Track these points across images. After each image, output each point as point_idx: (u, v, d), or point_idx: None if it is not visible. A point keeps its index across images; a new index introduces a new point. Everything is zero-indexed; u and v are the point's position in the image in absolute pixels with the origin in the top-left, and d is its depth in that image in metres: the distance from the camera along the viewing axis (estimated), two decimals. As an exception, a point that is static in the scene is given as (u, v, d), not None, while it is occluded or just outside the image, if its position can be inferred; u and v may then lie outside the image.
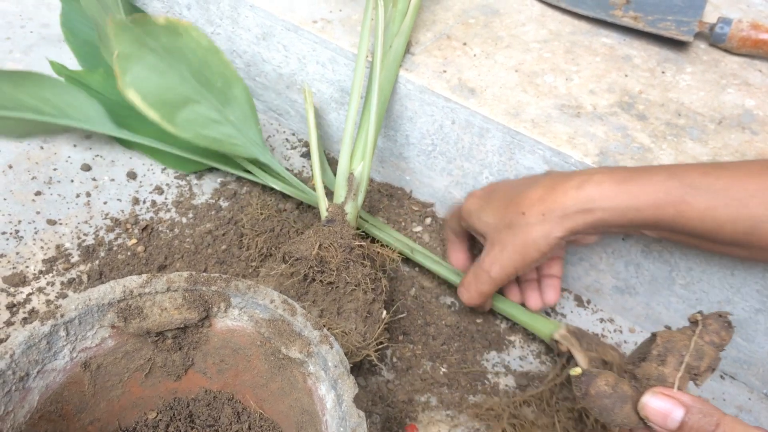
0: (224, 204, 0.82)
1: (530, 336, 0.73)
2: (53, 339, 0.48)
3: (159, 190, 0.83)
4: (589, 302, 0.77)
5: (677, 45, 0.81)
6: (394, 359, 0.70)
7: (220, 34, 0.91)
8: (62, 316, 0.48)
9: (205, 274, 0.52)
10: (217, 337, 0.54)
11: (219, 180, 0.85)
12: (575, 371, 0.47)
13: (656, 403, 0.43)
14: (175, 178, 0.85)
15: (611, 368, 0.56)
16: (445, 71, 0.76)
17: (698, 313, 0.49)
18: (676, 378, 0.45)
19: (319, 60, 0.82)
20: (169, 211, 0.80)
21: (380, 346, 0.66)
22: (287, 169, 0.88)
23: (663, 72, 0.78)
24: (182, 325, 0.52)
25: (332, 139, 0.89)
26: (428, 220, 0.83)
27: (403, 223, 0.83)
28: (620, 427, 0.46)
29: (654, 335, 0.49)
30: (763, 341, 0.67)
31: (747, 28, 0.78)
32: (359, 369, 0.68)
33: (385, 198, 0.86)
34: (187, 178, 0.85)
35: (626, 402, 0.45)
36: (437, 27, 0.83)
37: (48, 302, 0.69)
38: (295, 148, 0.92)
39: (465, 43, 0.80)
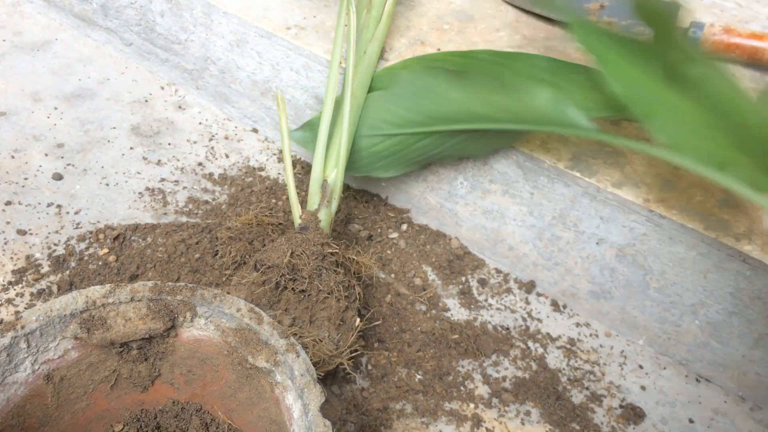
0: (198, 212, 0.81)
1: (527, 347, 0.73)
2: (14, 351, 0.47)
3: (132, 198, 0.82)
4: (565, 307, 0.77)
5: (650, 49, 0.81)
6: (369, 367, 0.70)
7: (193, 41, 0.90)
8: (23, 327, 0.47)
9: (170, 283, 0.51)
10: (183, 347, 0.53)
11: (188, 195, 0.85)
12: None
13: None
14: (147, 189, 0.84)
15: None
16: (418, 77, 0.76)
17: None
18: None
19: (293, 67, 0.82)
20: (143, 219, 0.80)
21: (354, 354, 0.65)
22: (263, 177, 0.87)
23: (636, 76, 0.78)
24: (147, 336, 0.51)
25: (308, 146, 0.89)
26: (404, 226, 0.83)
27: (379, 230, 0.82)
28: None
29: None
30: (737, 344, 0.66)
31: (720, 32, 0.78)
32: (333, 377, 0.68)
33: (361, 204, 0.85)
34: (161, 185, 0.84)
35: None
36: (411, 33, 0.82)
37: (17, 314, 0.68)
38: (272, 155, 0.91)
39: (439, 49, 0.80)
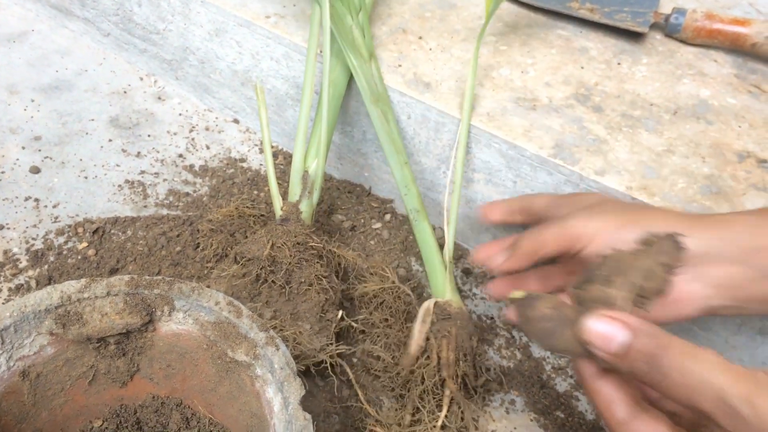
0: (179, 204, 0.80)
1: (512, 336, 0.73)
2: (-13, 348, 0.46)
3: (111, 191, 0.81)
4: (549, 296, 0.77)
5: (633, 36, 0.81)
6: (353, 359, 0.69)
7: (172, 30, 0.89)
8: (-4, 324, 0.46)
9: (147, 276, 0.50)
10: (162, 342, 0.52)
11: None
12: (516, 294, 0.43)
13: (600, 327, 0.38)
14: (126, 181, 0.83)
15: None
16: (400, 65, 0.75)
17: (651, 234, 0.44)
18: (621, 299, 0.41)
19: (273, 56, 0.81)
20: (122, 212, 0.78)
21: (337, 346, 0.64)
22: (245, 168, 0.86)
23: (619, 63, 0.77)
24: (125, 330, 0.50)
25: (290, 136, 0.88)
26: (387, 217, 0.82)
27: (362, 220, 0.82)
28: (562, 353, 0.42)
29: (604, 258, 0.44)
30: (720, 329, 0.66)
31: (702, 18, 0.78)
32: (316, 370, 0.67)
33: (344, 195, 0.85)
34: (141, 177, 0.83)
35: (568, 326, 0.40)
36: (393, 21, 0.82)
37: (-6, 309, 0.67)
38: (253, 146, 0.90)
39: (421, 37, 0.79)
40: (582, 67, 0.76)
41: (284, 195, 0.70)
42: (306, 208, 0.69)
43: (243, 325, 0.49)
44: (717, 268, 0.51)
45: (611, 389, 0.40)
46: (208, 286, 0.59)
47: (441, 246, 0.71)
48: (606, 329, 0.38)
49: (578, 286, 0.43)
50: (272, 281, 0.63)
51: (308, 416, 0.44)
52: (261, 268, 0.63)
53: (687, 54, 0.79)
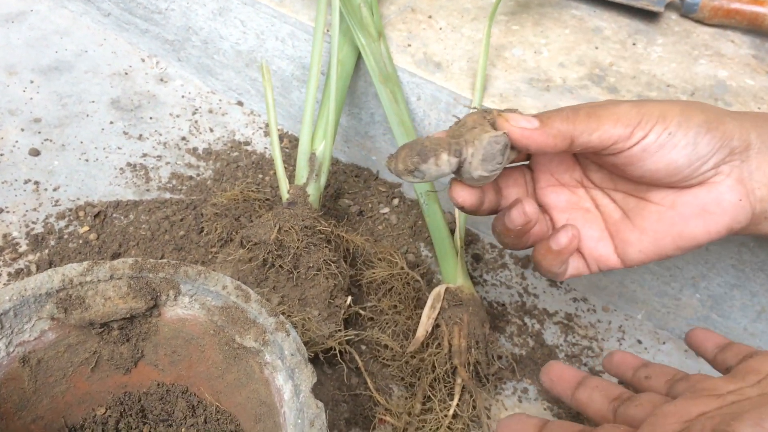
0: (182, 188, 0.78)
1: (524, 324, 0.71)
2: (-14, 333, 0.45)
3: (113, 174, 0.79)
4: (562, 282, 0.75)
5: (648, 16, 0.79)
6: (363, 346, 0.67)
7: (174, 10, 0.87)
8: (-5, 308, 0.45)
9: (152, 260, 0.49)
10: (167, 327, 0.51)
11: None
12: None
13: (519, 120, 0.44)
14: (128, 164, 0.81)
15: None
16: (409, 45, 0.73)
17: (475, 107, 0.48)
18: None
19: (279, 36, 0.78)
20: (124, 196, 0.77)
21: (346, 332, 0.63)
22: (249, 152, 0.84)
23: (634, 44, 0.75)
24: (129, 315, 0.48)
25: (296, 119, 0.86)
26: (396, 201, 0.80)
27: (369, 205, 0.80)
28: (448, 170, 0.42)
29: (456, 121, 0.46)
30: (739, 317, 0.65)
31: (719, -3, 0.76)
32: (324, 357, 0.66)
33: (351, 179, 0.83)
34: (143, 161, 0.81)
35: (444, 147, 0.42)
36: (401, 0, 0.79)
37: (-7, 294, 0.65)
38: (258, 129, 0.88)
39: (430, 16, 0.77)
40: (596, 48, 0.74)
41: (290, 178, 0.68)
42: (313, 192, 0.67)
43: (252, 310, 0.48)
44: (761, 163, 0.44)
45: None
46: (214, 271, 0.57)
47: (451, 231, 0.69)
48: (523, 121, 0.44)
49: (451, 136, 0.44)
50: (279, 266, 0.61)
51: (320, 404, 0.43)
52: (268, 253, 0.61)
53: (703, 34, 0.77)
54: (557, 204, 0.51)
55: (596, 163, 0.49)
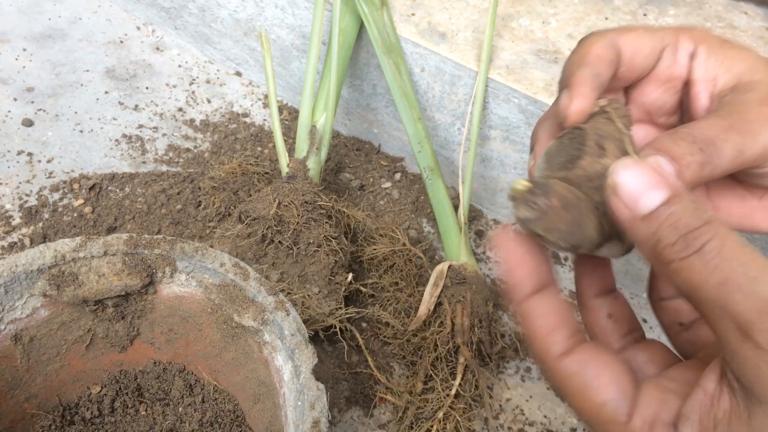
0: (179, 160, 0.77)
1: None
2: (-25, 310, 0.43)
3: (108, 145, 0.77)
4: (566, 259, 0.74)
5: (660, -14, 0.76)
6: (363, 323, 0.66)
7: (170, -24, 0.84)
8: (-15, 284, 0.43)
9: (147, 235, 0.47)
10: (163, 305, 0.49)
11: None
12: (520, 184, 0.32)
13: (635, 175, 0.28)
14: (124, 135, 0.79)
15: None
16: (413, 14, 0.71)
17: (600, 100, 0.35)
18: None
19: (278, 3, 0.76)
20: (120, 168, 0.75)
21: (347, 310, 0.61)
22: (248, 124, 0.82)
23: (645, 15, 0.73)
24: (124, 293, 0.47)
25: (296, 90, 0.84)
26: (398, 176, 0.78)
27: (371, 179, 0.78)
28: (584, 249, 0.32)
29: (573, 130, 0.35)
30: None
31: (734, -33, 0.73)
32: (324, 335, 0.64)
33: (352, 152, 0.81)
34: (139, 132, 0.79)
35: (592, 212, 0.31)
36: (405, -33, 0.77)
37: (-14, 269, 0.64)
38: (257, 100, 0.86)
39: (435, -15, 0.75)
40: (606, 18, 0.72)
41: (290, 152, 0.67)
42: (314, 165, 0.65)
43: (250, 289, 0.46)
44: None
45: (550, 316, 0.31)
46: (211, 246, 0.55)
47: (455, 207, 0.68)
48: (640, 180, 0.28)
49: (563, 167, 0.34)
50: (279, 242, 0.60)
51: (321, 386, 0.41)
52: (267, 228, 0.59)
53: (716, 5, 0.75)
54: None
55: None
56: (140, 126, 0.80)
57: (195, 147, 0.79)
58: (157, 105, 0.83)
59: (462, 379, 0.60)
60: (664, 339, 0.36)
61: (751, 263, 0.26)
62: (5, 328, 0.45)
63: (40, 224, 0.68)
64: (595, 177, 0.32)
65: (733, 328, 0.26)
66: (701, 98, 0.38)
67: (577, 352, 0.30)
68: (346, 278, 0.62)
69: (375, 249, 0.67)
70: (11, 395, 0.47)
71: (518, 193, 0.31)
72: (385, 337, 0.65)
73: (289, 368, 0.44)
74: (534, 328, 0.31)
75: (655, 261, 0.28)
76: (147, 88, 0.85)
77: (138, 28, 0.92)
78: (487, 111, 0.68)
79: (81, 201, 0.71)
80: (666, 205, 0.27)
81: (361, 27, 0.71)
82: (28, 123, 0.78)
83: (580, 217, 0.31)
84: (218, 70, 0.89)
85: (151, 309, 0.49)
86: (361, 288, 0.66)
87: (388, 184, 0.78)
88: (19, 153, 0.75)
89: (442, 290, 0.63)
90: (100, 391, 0.51)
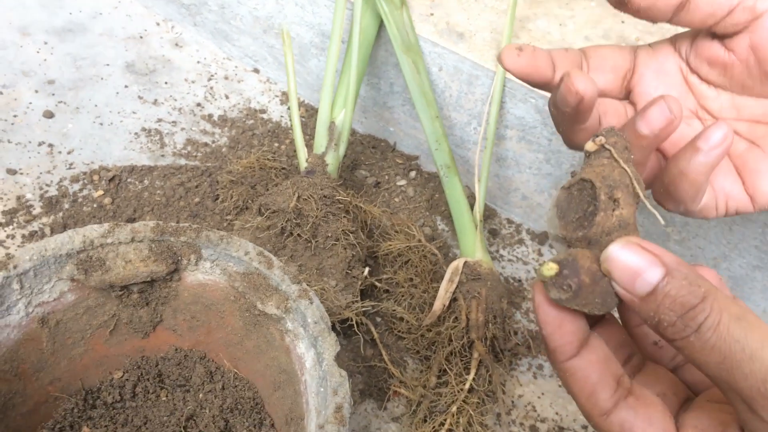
0: (197, 154, 0.77)
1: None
2: (5, 292, 0.44)
3: (128, 138, 0.78)
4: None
5: (676, -9, 0.77)
6: (378, 318, 0.67)
7: (192, -27, 0.85)
8: (15, 267, 0.44)
9: (173, 223, 0.48)
10: (187, 292, 0.50)
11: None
12: (548, 269, 0.32)
13: (626, 257, 0.29)
14: (143, 129, 0.80)
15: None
16: (432, 14, 0.72)
17: (598, 137, 0.35)
18: (633, 217, 0.33)
19: (298, 1, 0.77)
20: (139, 161, 0.76)
21: (362, 304, 0.62)
22: (265, 120, 0.83)
23: (661, 19, 0.74)
24: (149, 279, 0.48)
25: (313, 87, 0.85)
26: (413, 174, 0.79)
27: (386, 177, 0.79)
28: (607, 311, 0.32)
29: (581, 181, 0.34)
30: (759, 299, 0.64)
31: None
32: (340, 327, 0.65)
33: (367, 150, 0.82)
34: (158, 126, 0.80)
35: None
36: (424, -32, 0.78)
37: (8, 256, 0.65)
38: (274, 97, 0.87)
39: (454, -14, 0.76)
40: (623, 22, 0.73)
41: (308, 147, 0.68)
42: (332, 161, 0.66)
43: (274, 277, 0.47)
44: None
45: (592, 376, 0.32)
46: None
47: (470, 205, 0.68)
48: (635, 261, 0.29)
49: (579, 226, 0.34)
50: (298, 234, 0.61)
51: (344, 373, 0.42)
52: (286, 221, 0.60)
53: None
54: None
55: (718, 86, 0.42)
56: (159, 120, 0.81)
57: (213, 141, 0.79)
58: (175, 100, 0.84)
59: (476, 374, 0.60)
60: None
61: (748, 337, 0.27)
62: (33, 311, 0.46)
63: (60, 214, 0.69)
64: (613, 230, 0.32)
65: (740, 401, 0.27)
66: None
67: (621, 408, 0.31)
68: (363, 272, 0.63)
69: (390, 245, 0.68)
70: (36, 377, 0.48)
71: (548, 278, 0.32)
72: (399, 331, 0.66)
73: (312, 355, 0.45)
74: (577, 389, 0.32)
75: (661, 337, 0.29)
76: (166, 83, 0.86)
77: (158, 24, 0.94)
78: (503, 111, 0.69)
79: (101, 192, 0.72)
80: (662, 283, 0.28)
81: (380, 26, 0.72)
82: (49, 115, 0.79)
83: (611, 284, 0.31)
84: (236, 67, 0.90)
85: (174, 296, 0.50)
86: (376, 283, 0.67)
87: (403, 182, 0.79)
88: (40, 144, 0.76)
89: (457, 286, 0.63)
90: (122, 377, 0.52)
